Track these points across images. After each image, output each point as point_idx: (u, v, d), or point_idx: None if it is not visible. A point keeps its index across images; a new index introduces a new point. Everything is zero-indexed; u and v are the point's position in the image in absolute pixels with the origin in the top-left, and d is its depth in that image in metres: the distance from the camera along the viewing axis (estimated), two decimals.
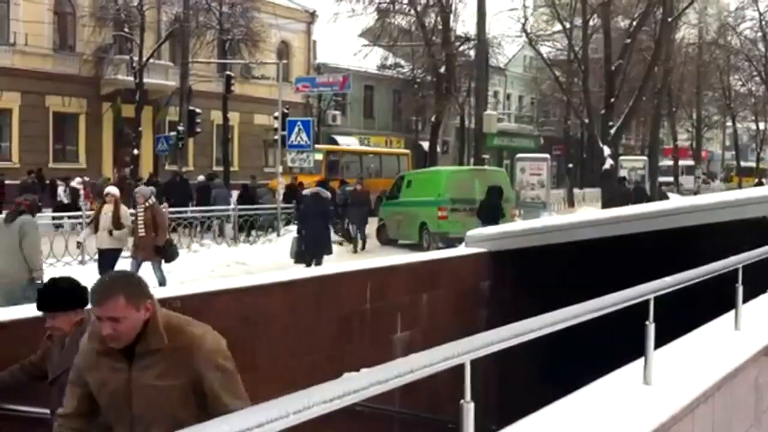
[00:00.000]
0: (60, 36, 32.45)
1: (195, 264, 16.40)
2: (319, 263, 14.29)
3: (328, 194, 15.56)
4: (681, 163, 53.19)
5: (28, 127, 30.66)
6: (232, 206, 21.74)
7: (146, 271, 11.90)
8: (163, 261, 12.70)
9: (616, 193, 23.84)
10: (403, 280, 8.61)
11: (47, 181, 26.76)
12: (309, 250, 14.78)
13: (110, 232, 12.06)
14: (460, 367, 2.94)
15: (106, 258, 12.29)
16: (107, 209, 12.18)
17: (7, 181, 25.30)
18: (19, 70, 30.07)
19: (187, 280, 14.05)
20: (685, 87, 50.91)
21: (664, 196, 23.50)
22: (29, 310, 5.36)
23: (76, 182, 26.15)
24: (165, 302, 6.17)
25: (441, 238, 18.80)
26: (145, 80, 31.99)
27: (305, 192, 16.15)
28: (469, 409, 2.98)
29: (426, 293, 8.86)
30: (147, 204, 12.48)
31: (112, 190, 12.53)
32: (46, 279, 9.43)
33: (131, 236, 12.64)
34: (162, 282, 12.29)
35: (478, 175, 20.77)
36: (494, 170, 23.51)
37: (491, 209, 15.97)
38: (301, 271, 8.10)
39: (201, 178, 26.41)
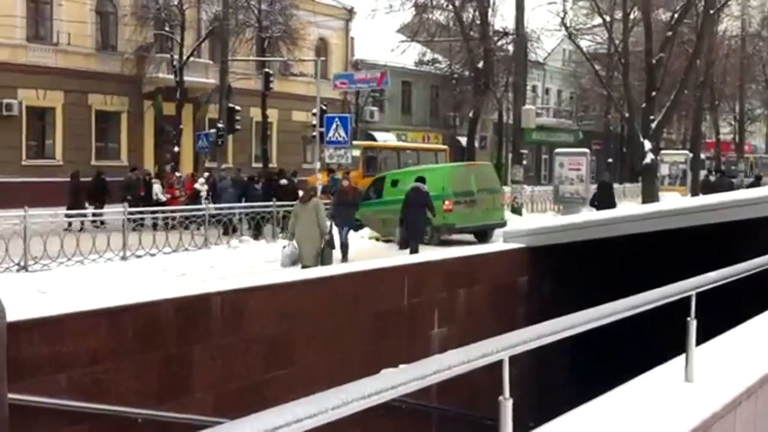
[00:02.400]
0: (102, 35, 32.86)
1: (234, 260, 16.54)
2: (415, 249, 15.98)
3: (426, 188, 17.51)
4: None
5: (71, 126, 31.14)
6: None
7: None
8: None
9: (716, 185, 24.17)
10: (440, 276, 8.60)
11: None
12: (410, 234, 17.09)
13: None
14: (498, 364, 2.93)
15: None
16: None
17: (81, 178, 25.71)
18: (62, 70, 30.53)
19: (227, 276, 14.20)
20: (727, 80, 49.96)
21: (731, 188, 23.46)
22: (74, 306, 5.45)
23: (198, 183, 25.39)
24: (205, 298, 6.25)
25: (447, 230, 20.00)
26: (185, 78, 32.33)
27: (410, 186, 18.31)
28: (507, 406, 2.97)
29: (463, 289, 8.83)
30: None
31: None
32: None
33: None
34: None
35: (473, 170, 22.28)
36: (485, 165, 25.13)
37: (607, 199, 18.31)
38: (338, 268, 8.12)
39: (206, 174, 27.15)
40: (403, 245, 17.73)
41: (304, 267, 12.81)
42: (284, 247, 13.54)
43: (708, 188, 25.49)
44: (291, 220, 13.65)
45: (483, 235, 20.77)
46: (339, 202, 18.19)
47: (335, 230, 17.59)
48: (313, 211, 12.93)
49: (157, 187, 24.75)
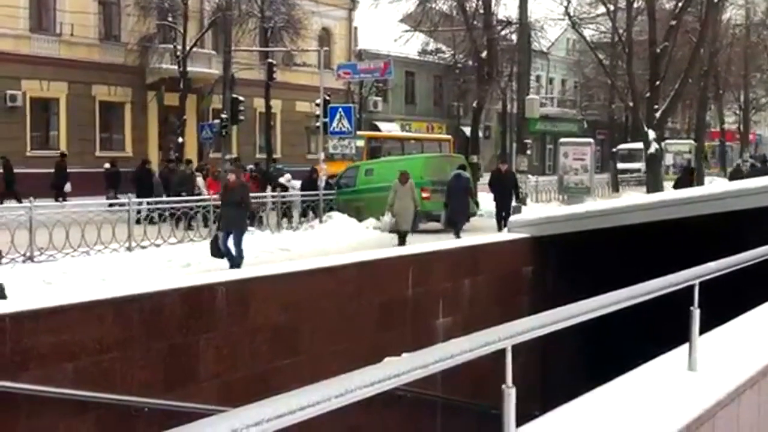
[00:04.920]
0: (105, 26, 32.79)
1: None
2: (458, 234, 17.77)
3: (468, 176, 19.58)
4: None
5: (75, 117, 31.10)
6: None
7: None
8: None
9: (760, 172, 24.29)
10: (445, 266, 8.61)
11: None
12: (454, 218, 18.91)
13: None
14: (502, 352, 2.94)
15: None
16: None
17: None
18: (65, 60, 30.48)
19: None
20: (732, 69, 49.65)
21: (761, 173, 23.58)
22: (80, 296, 5.48)
23: (284, 179, 24.16)
24: (209, 288, 6.27)
25: (425, 216, 20.71)
26: (188, 69, 32.25)
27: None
28: (510, 394, 2.98)
29: (467, 279, 8.85)
30: None
31: None
32: None
33: None
34: None
35: (449, 161, 23.08)
36: (457, 156, 26.68)
37: (686, 183, 21.08)
38: (343, 258, 8.13)
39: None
40: (446, 225, 19.71)
41: (399, 231, 17.17)
42: (383, 216, 17.93)
43: (738, 178, 25.34)
44: (390, 195, 17.44)
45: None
46: (223, 201, 14.78)
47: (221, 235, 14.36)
48: (409, 190, 17.26)
49: (199, 181, 23.89)
